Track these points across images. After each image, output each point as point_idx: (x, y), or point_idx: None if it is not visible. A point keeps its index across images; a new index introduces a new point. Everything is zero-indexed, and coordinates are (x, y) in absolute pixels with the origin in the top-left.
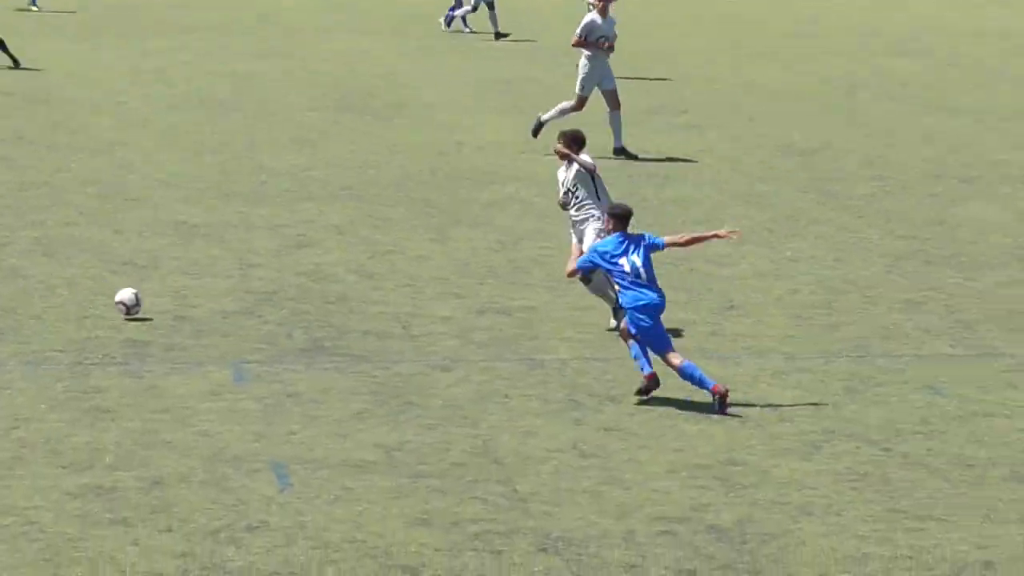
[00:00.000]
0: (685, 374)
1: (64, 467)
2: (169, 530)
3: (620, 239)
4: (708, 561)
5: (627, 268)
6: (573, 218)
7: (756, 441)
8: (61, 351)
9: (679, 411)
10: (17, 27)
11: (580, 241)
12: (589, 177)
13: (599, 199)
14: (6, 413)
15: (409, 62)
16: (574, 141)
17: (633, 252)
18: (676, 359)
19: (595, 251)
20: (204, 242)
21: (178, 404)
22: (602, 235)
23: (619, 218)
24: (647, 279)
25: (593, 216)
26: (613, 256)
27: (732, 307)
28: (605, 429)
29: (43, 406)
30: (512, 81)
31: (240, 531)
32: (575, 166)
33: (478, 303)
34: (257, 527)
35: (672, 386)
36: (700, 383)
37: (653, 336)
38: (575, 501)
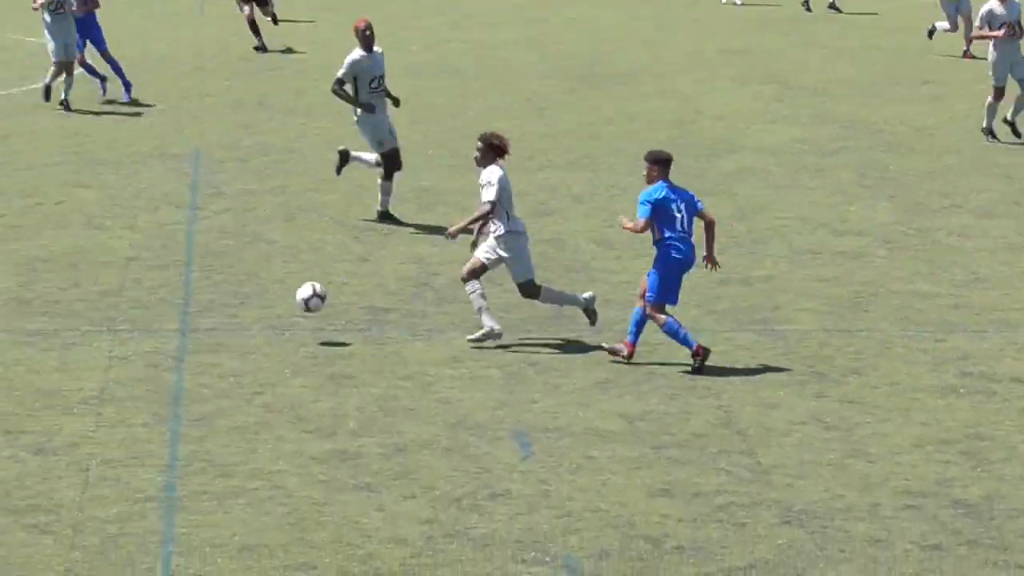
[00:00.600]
0: (669, 331)
1: (308, 432)
2: (413, 496)
3: (668, 189)
4: (954, 536)
5: (678, 219)
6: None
7: (1003, 416)
8: (304, 316)
9: (923, 385)
10: None
11: (475, 246)
12: (510, 190)
13: (508, 215)
14: (251, 379)
15: (645, 30)
16: (501, 149)
17: (682, 204)
18: (663, 317)
19: (649, 200)
20: (445, 209)
21: (420, 371)
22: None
23: (663, 163)
24: (690, 235)
25: (495, 227)
26: (670, 202)
27: (977, 279)
28: (848, 401)
29: (287, 371)
30: (749, 51)
31: (483, 498)
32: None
33: (719, 273)
34: (500, 495)
35: (915, 359)
36: (684, 341)
37: (673, 291)
38: (818, 473)
